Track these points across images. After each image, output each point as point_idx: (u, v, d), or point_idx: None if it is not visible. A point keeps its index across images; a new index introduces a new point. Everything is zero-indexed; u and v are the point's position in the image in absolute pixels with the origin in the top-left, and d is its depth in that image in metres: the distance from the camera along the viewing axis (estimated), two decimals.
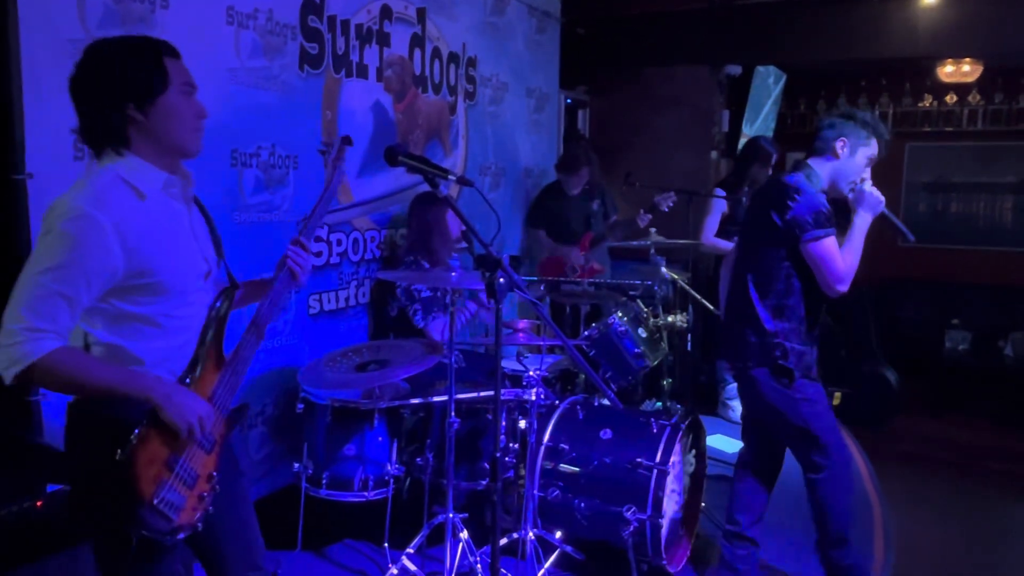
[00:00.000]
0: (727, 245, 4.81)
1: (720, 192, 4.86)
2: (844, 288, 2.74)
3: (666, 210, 4.56)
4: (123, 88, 1.67)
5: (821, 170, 2.87)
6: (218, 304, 1.84)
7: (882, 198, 2.83)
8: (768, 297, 2.82)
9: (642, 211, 4.63)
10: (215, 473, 1.81)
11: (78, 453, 1.74)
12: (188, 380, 1.75)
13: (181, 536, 1.72)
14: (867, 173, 2.88)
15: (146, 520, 1.64)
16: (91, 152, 1.74)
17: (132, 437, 1.61)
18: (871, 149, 2.85)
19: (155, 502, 1.64)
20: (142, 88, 1.68)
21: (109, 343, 1.70)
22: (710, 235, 4.83)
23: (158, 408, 1.64)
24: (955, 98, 6.66)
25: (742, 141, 6.47)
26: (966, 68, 6.10)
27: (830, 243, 2.73)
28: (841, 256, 2.74)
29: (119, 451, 1.59)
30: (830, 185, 2.89)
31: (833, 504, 2.89)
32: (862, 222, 2.82)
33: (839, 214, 2.81)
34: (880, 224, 2.88)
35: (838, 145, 2.84)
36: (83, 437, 1.72)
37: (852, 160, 2.85)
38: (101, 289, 1.63)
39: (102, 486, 1.65)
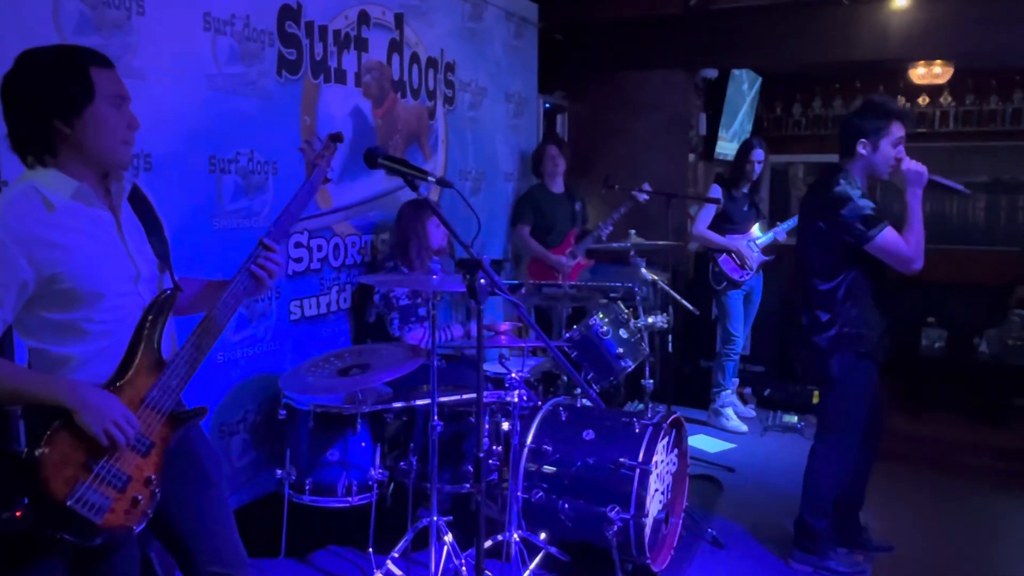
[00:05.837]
0: (718, 238, 4.87)
1: (716, 188, 4.96)
2: (919, 265, 2.88)
3: (643, 200, 4.66)
4: (47, 102, 1.67)
5: (854, 169, 3.00)
6: (155, 306, 1.81)
7: (923, 168, 2.93)
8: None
9: (634, 192, 4.71)
10: (154, 476, 1.76)
11: None
12: (118, 383, 1.73)
13: (105, 540, 1.69)
14: (901, 152, 2.97)
15: (62, 521, 1.63)
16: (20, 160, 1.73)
17: (43, 438, 1.62)
18: (892, 134, 2.94)
19: (68, 503, 1.62)
20: (65, 102, 1.67)
21: (35, 348, 1.74)
22: (702, 227, 4.91)
23: (72, 412, 1.64)
24: (927, 100, 6.76)
25: (719, 144, 6.54)
26: (937, 70, 6.19)
27: (888, 234, 2.86)
28: (905, 238, 2.88)
29: (25, 451, 1.60)
30: (867, 179, 3.02)
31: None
32: (913, 199, 2.93)
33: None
34: (932, 190, 2.98)
35: (859, 147, 2.96)
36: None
37: (877, 154, 2.96)
38: (17, 299, 1.66)
39: (21, 487, 1.65)
